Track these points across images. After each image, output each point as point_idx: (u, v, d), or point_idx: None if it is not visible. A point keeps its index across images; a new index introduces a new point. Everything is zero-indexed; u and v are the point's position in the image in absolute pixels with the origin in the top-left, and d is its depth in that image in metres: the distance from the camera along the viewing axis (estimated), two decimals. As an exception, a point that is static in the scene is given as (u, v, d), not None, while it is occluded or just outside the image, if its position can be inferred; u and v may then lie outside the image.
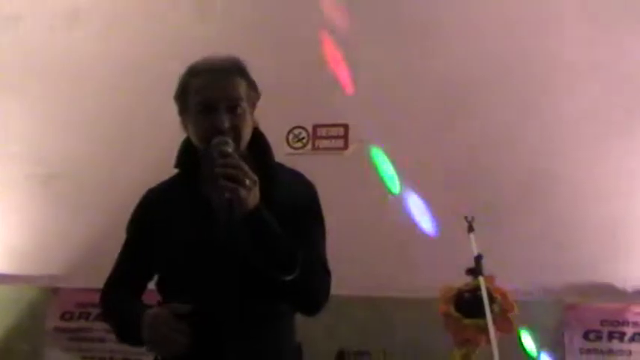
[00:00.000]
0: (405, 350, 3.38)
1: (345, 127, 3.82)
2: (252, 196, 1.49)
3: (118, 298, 1.75)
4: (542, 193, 3.58)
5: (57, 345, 3.86)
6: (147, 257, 1.72)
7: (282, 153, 3.70)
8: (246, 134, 1.68)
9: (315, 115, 3.86)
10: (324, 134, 3.85)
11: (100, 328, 3.75)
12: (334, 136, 3.82)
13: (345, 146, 3.82)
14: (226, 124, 1.61)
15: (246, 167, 1.51)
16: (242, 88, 1.69)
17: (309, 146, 3.86)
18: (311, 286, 1.65)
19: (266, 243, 1.53)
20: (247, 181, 1.48)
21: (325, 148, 3.84)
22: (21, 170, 4.16)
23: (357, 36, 3.81)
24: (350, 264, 3.53)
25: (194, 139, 1.69)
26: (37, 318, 3.91)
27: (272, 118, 3.92)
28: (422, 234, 3.59)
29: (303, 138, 3.87)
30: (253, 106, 1.74)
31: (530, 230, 3.53)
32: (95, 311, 3.76)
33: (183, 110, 1.72)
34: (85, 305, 3.75)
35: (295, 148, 3.85)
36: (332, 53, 3.80)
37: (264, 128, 4.04)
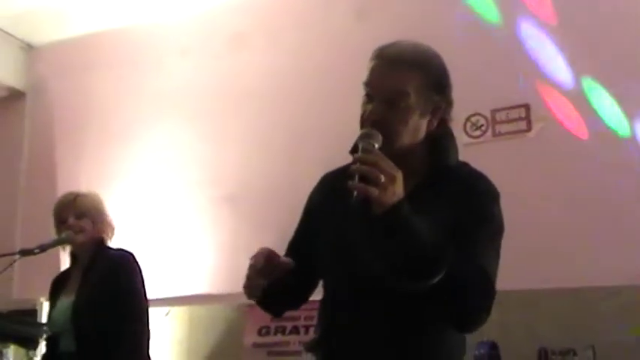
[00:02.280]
0: (615, 345, 3.02)
1: (527, 107, 3.56)
2: (388, 193, 1.34)
3: None
4: None
5: (256, 360, 3.91)
6: (304, 243, 1.67)
7: (460, 143, 3.59)
8: (405, 133, 1.53)
9: (492, 100, 3.64)
10: (503, 118, 3.60)
11: (296, 341, 3.78)
12: (515, 118, 3.56)
13: (528, 128, 3.54)
14: (376, 117, 1.50)
15: (384, 163, 1.35)
16: (411, 81, 1.52)
17: (489, 133, 3.62)
18: (462, 296, 1.43)
19: (403, 242, 1.36)
20: (382, 178, 1.32)
21: (507, 133, 3.59)
22: (207, 195, 4.31)
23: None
24: (545, 255, 3.30)
25: None
26: (235, 335, 3.99)
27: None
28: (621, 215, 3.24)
29: (481, 125, 3.65)
30: (435, 111, 1.57)
31: None
32: (290, 325, 3.80)
33: None
34: (281, 319, 3.71)
35: (474, 137, 3.64)
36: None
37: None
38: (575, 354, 3.07)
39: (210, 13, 4.64)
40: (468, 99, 3.59)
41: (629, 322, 3.02)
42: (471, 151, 3.49)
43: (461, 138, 3.55)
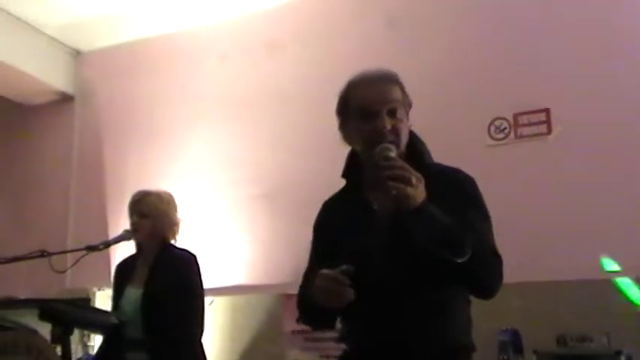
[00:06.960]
0: (630, 333, 3.21)
1: (547, 111, 3.75)
2: (418, 192, 1.58)
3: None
4: None
5: (296, 346, 4.14)
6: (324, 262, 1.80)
7: (484, 145, 3.81)
8: (405, 136, 1.82)
9: (515, 104, 3.83)
10: (525, 122, 3.79)
11: (331, 328, 4.01)
12: (536, 122, 3.75)
13: (549, 131, 3.73)
14: (388, 127, 1.77)
15: (410, 168, 1.60)
16: (398, 93, 1.84)
17: (512, 135, 3.81)
18: (483, 269, 1.68)
19: (436, 233, 1.59)
20: (413, 179, 1.58)
21: (528, 136, 3.78)
22: (245, 192, 4.53)
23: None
24: (564, 250, 3.52)
25: (358, 146, 1.86)
26: (273, 322, 4.23)
27: (471, 112, 4.02)
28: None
29: (504, 128, 3.84)
30: (408, 112, 1.87)
31: None
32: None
33: (344, 123, 1.90)
34: (317, 309, 3.97)
35: (497, 140, 3.84)
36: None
37: (464, 124, 4.14)
38: (591, 340, 3.25)
39: (247, 20, 4.88)
40: (492, 103, 3.85)
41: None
42: (493, 153, 3.76)
43: (485, 140, 3.81)
